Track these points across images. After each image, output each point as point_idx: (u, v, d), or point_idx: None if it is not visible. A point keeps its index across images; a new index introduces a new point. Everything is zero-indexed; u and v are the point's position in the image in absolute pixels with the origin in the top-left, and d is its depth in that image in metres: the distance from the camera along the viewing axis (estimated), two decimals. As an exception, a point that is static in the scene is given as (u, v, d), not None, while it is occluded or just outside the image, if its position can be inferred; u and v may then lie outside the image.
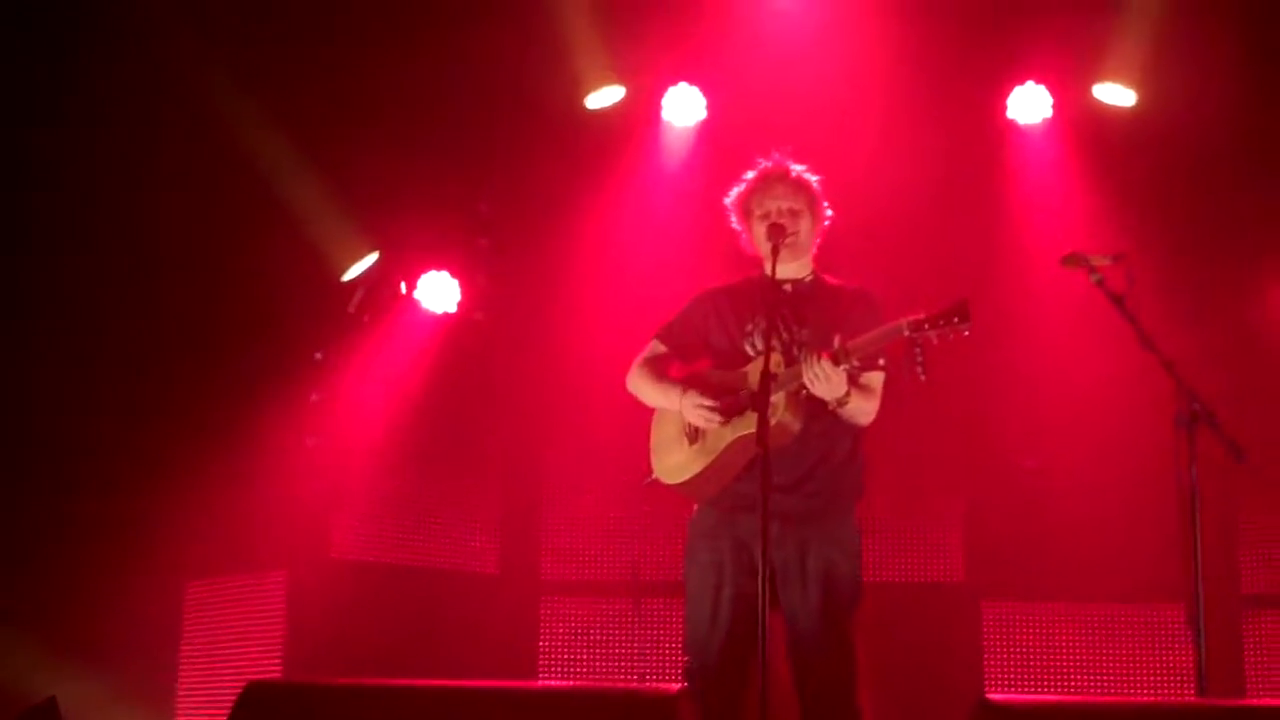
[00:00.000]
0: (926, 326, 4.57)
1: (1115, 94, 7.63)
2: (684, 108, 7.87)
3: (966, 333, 4.54)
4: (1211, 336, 7.37)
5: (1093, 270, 5.05)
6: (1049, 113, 7.73)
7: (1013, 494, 7.86)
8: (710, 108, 7.85)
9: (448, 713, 3.54)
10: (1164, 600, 7.59)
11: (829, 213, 5.17)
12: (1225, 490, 7.40)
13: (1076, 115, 7.73)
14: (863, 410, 4.91)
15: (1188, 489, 4.79)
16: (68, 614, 7.39)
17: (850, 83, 7.45)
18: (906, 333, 4.60)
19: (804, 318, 5.00)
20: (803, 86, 7.45)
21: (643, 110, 7.89)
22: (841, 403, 4.78)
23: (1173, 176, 7.59)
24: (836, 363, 4.67)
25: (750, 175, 5.20)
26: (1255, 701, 6.49)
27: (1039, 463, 7.82)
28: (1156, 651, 7.71)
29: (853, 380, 4.78)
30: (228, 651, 7.81)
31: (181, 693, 7.89)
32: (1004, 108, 7.76)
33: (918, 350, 4.59)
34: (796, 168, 5.16)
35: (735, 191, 5.21)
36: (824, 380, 4.67)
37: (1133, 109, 7.62)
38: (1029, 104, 7.73)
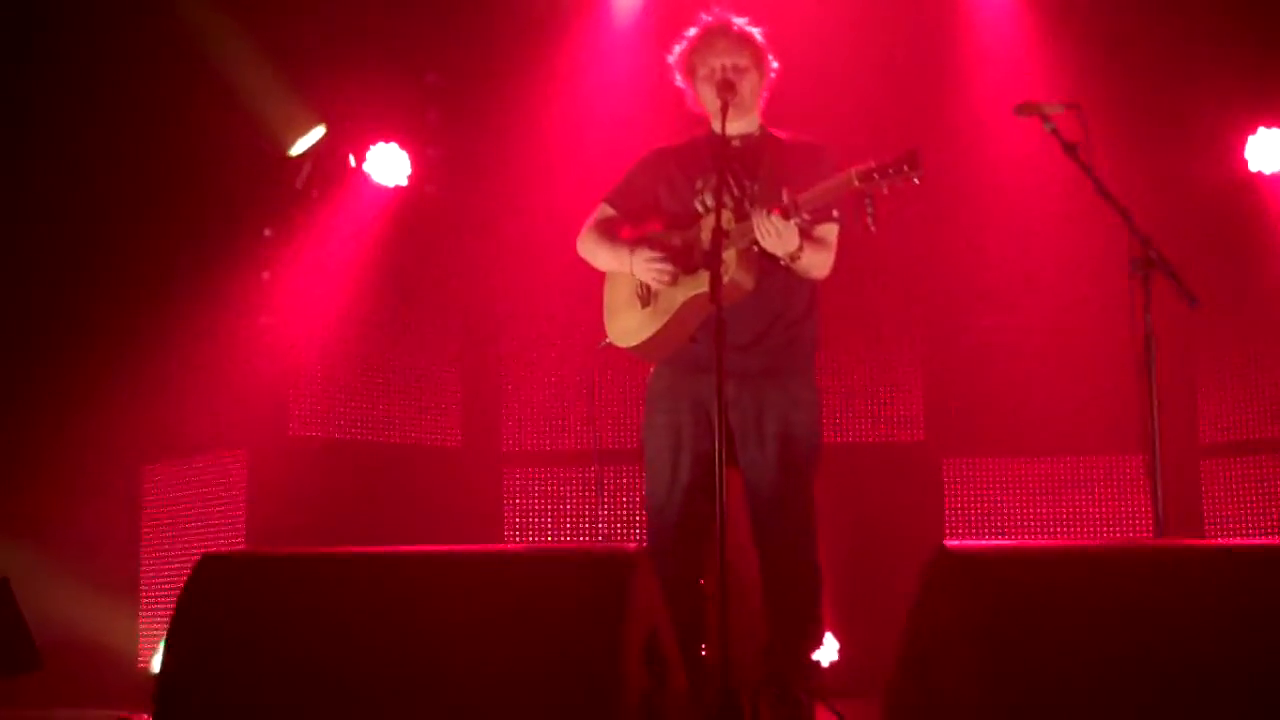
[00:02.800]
0: (876, 176, 4.52)
1: (1070, -58, 7.55)
2: (632, -33, 7.75)
3: (917, 181, 4.49)
4: (1168, 186, 7.35)
5: (1046, 119, 4.97)
6: (1003, -39, 7.65)
7: (971, 350, 7.87)
8: (659, -34, 7.73)
9: (403, 577, 3.53)
10: (1123, 451, 7.64)
11: (775, 66, 5.09)
12: (1182, 340, 7.43)
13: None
14: (816, 264, 4.87)
15: (1143, 336, 4.78)
16: (25, 499, 7.36)
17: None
18: (856, 183, 4.55)
19: (754, 173, 4.94)
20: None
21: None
22: (794, 257, 4.74)
23: (1130, 25, 7.51)
24: (786, 217, 4.62)
25: (692, 32, 5.10)
26: (1211, 541, 6.54)
27: (996, 317, 7.82)
28: (1116, 502, 7.78)
29: (805, 234, 4.74)
30: (189, 532, 7.81)
31: (144, 574, 7.89)
32: (956, -42, 7.67)
33: (868, 201, 4.55)
34: (739, 21, 5.06)
35: (677, 49, 5.11)
36: (775, 235, 4.64)
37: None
38: (982, -46, 7.65)
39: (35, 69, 7.35)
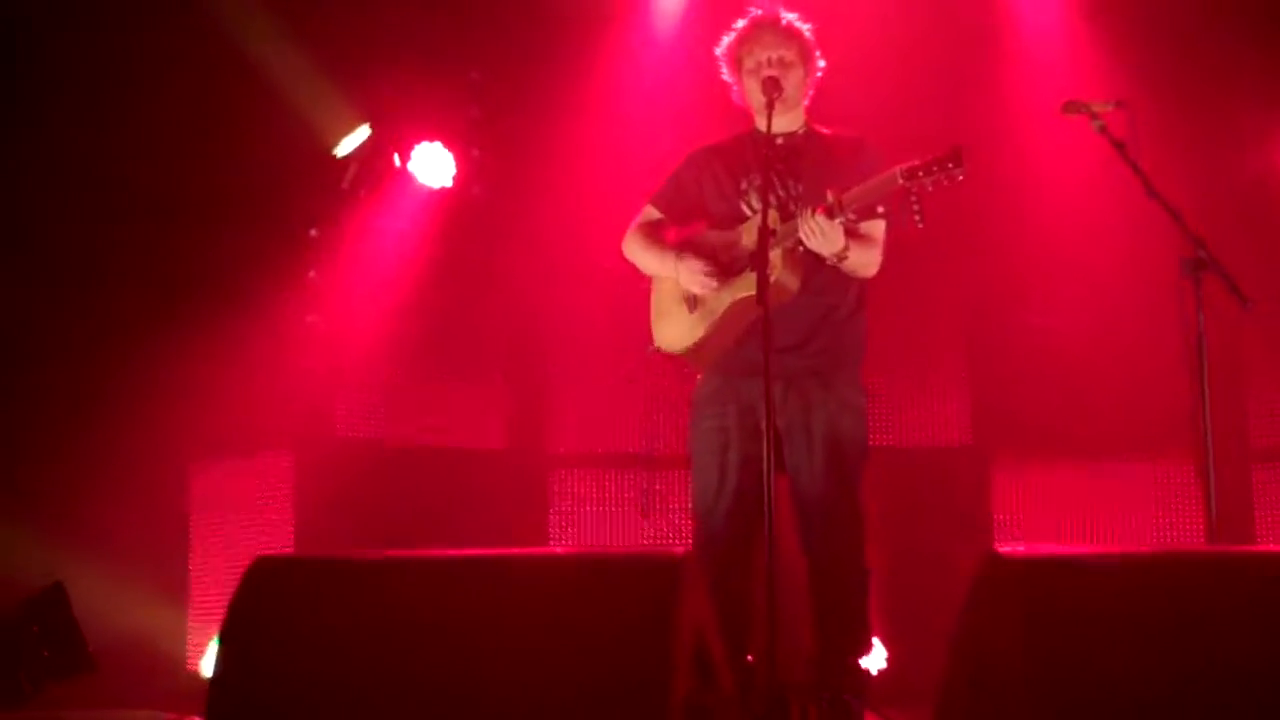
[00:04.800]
0: (921, 174, 4.51)
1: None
2: (678, -34, 7.74)
3: (961, 178, 4.49)
4: (1217, 184, 7.29)
5: (1094, 117, 4.96)
6: (1050, -42, 7.60)
7: (1020, 353, 7.81)
8: (705, -34, 7.71)
9: (455, 581, 3.53)
10: (1174, 455, 7.57)
11: (821, 63, 5.08)
12: (1233, 341, 7.36)
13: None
14: (864, 263, 4.86)
15: (1194, 338, 4.75)
16: (73, 502, 7.40)
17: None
18: (901, 181, 4.54)
19: (799, 172, 4.93)
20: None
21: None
22: (840, 257, 4.72)
23: (1177, 22, 7.45)
24: (831, 216, 4.60)
25: (741, 24, 5.10)
26: (1265, 548, 6.49)
27: (1045, 320, 7.76)
28: (1167, 506, 7.71)
29: (852, 233, 4.72)
30: (238, 534, 7.82)
31: (193, 576, 7.92)
32: (1004, -46, 7.62)
33: (914, 198, 4.53)
34: (788, 15, 5.05)
35: (725, 41, 5.11)
36: (820, 235, 4.62)
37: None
38: (1030, -50, 7.59)
39: (84, 71, 7.40)
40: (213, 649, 7.17)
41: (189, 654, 7.75)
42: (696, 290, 4.94)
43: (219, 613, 3.55)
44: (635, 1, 7.77)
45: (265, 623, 3.46)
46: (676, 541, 7.69)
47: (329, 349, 7.65)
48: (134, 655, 7.32)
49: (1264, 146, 7.59)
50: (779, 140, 4.97)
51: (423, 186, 7.82)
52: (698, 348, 5.02)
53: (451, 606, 3.43)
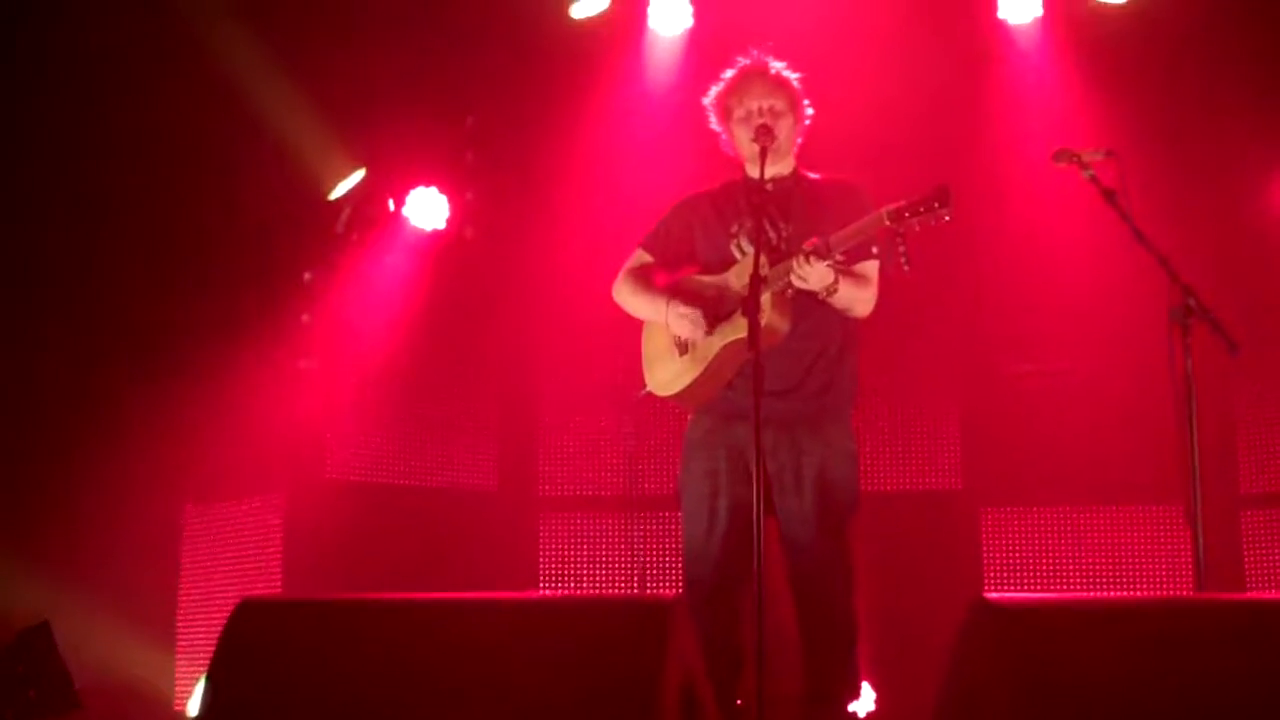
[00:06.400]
0: (907, 214, 4.52)
1: (1106, -9, 7.55)
2: (670, 16, 7.77)
3: (948, 219, 4.49)
4: (1205, 232, 7.31)
5: (1084, 166, 4.98)
6: (1040, 11, 7.63)
7: (1009, 399, 7.83)
8: (697, 15, 7.75)
9: (441, 625, 3.52)
10: (1163, 501, 7.57)
11: (810, 111, 5.10)
12: (1222, 389, 7.38)
13: (1068, 13, 7.63)
14: (859, 299, 4.85)
15: (1183, 385, 4.75)
16: (64, 540, 7.38)
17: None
18: (888, 222, 4.55)
19: (788, 214, 4.94)
20: (790, -10, 7.35)
21: (629, 19, 7.78)
22: (830, 290, 4.72)
23: (1165, 72, 7.50)
24: (821, 258, 4.61)
25: (729, 74, 5.12)
26: (1254, 595, 6.49)
27: (1034, 366, 7.78)
28: (1157, 552, 7.71)
29: (844, 271, 4.72)
30: (227, 575, 7.81)
31: (181, 616, 7.90)
32: (995, 7, 7.65)
33: (900, 240, 4.54)
34: (776, 65, 5.08)
35: (714, 91, 5.13)
36: (809, 276, 4.63)
37: (1124, 5, 7.52)
38: (1019, 3, 7.62)
39: (78, 112, 7.42)
40: (199, 690, 7.17)
41: (176, 695, 7.72)
42: (686, 336, 4.94)
43: (207, 654, 3.54)
44: (628, 52, 7.82)
45: (250, 664, 3.46)
46: (666, 584, 7.68)
47: (321, 392, 7.66)
48: (121, 695, 7.29)
49: (1253, 195, 7.62)
50: (768, 185, 4.98)
51: (415, 230, 7.85)
52: (688, 391, 5.01)
53: (439, 650, 3.42)
